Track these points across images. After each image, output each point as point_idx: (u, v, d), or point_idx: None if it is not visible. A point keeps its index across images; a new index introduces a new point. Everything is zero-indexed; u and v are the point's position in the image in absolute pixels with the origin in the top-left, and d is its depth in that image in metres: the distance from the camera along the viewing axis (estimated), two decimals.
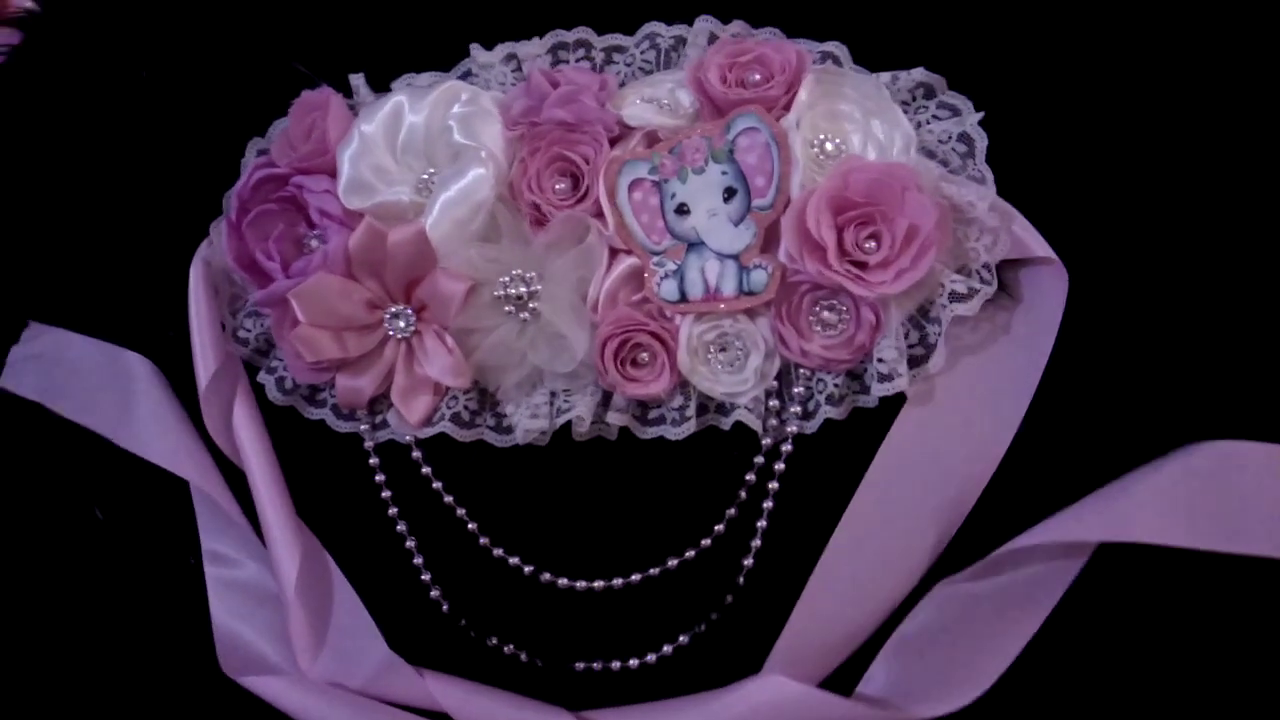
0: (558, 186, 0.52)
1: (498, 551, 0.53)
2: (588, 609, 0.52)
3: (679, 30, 0.54)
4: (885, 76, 0.51)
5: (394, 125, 0.55)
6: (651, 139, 0.52)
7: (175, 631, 0.55)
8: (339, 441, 0.56)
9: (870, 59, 0.53)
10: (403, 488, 0.55)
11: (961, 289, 0.48)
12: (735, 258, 0.50)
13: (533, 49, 0.55)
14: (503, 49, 0.56)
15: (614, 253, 0.52)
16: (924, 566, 0.47)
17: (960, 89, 0.51)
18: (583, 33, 0.55)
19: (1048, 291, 0.48)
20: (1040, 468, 0.47)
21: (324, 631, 0.53)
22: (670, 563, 0.51)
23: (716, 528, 0.51)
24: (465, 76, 0.57)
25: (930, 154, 0.50)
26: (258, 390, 0.57)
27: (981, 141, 0.49)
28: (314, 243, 0.56)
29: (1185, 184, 0.49)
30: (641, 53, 0.55)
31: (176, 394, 0.58)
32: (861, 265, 0.48)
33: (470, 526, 0.54)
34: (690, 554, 0.51)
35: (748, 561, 0.50)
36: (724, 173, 0.50)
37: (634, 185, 0.51)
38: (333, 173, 0.55)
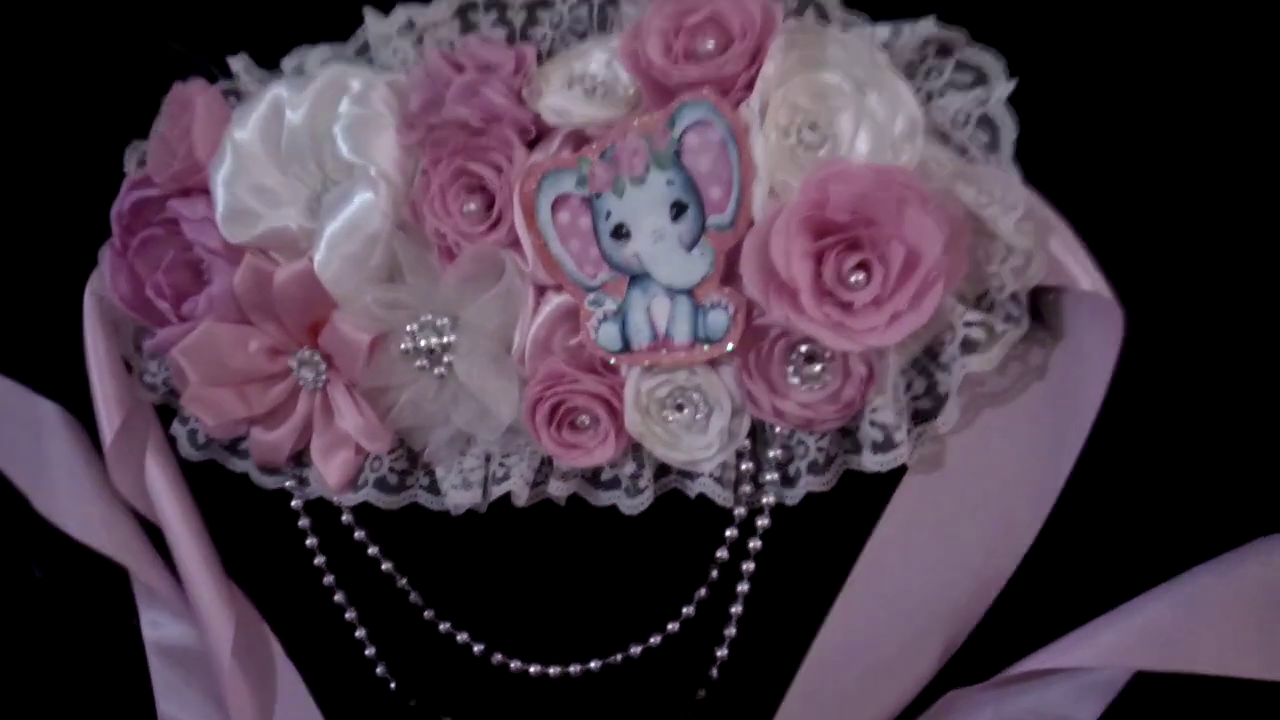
0: (466, 208, 0.41)
1: (444, 626, 0.47)
2: (546, 695, 0.45)
3: None
4: (884, 31, 0.38)
5: (273, 126, 0.44)
6: (578, 139, 0.41)
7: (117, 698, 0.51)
8: (266, 495, 0.49)
9: (867, 5, 0.39)
10: (338, 550, 0.48)
11: (978, 334, 0.37)
12: (688, 293, 0.39)
13: (435, 14, 0.43)
14: (399, 14, 0.43)
15: (541, 290, 0.41)
16: (927, 676, 0.38)
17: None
18: None
19: (1097, 328, 0.36)
20: (1078, 552, 0.37)
21: (266, 704, 0.48)
22: (633, 649, 0.44)
23: (685, 610, 0.43)
24: (364, 52, 0.46)
25: (944, 137, 0.37)
26: (172, 439, 0.50)
27: (1009, 130, 0.36)
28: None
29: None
30: (570, 9, 0.42)
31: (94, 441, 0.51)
32: (846, 306, 0.36)
33: (413, 598, 0.47)
34: (655, 640, 0.43)
35: (721, 652, 0.42)
36: (669, 182, 0.39)
37: (559, 203, 0.40)
38: (210, 192, 0.45)
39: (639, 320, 0.40)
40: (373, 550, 0.48)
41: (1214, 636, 0.33)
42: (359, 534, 0.48)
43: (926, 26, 0.38)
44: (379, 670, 0.48)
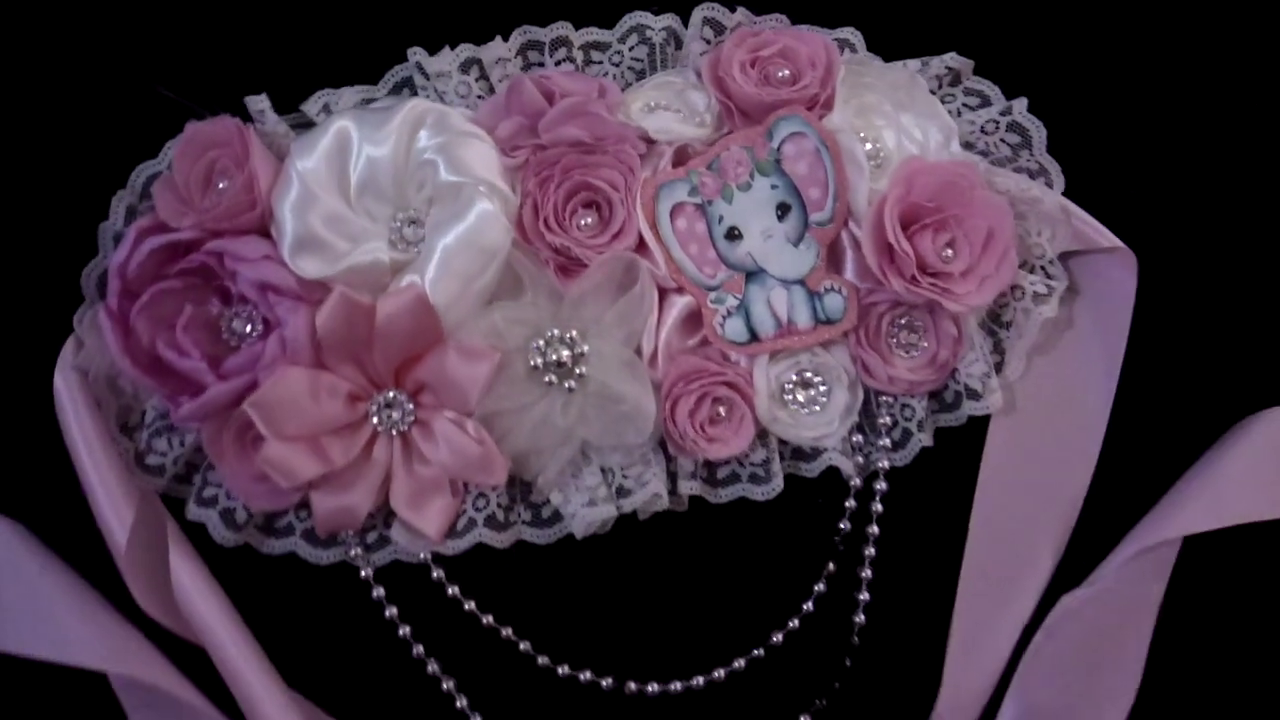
0: (583, 222, 0.42)
1: (563, 669, 0.44)
2: (690, 713, 0.44)
3: (668, 21, 0.46)
4: (914, 63, 0.47)
5: (341, 161, 0.42)
6: (680, 154, 0.44)
7: None
8: (319, 576, 0.43)
9: (879, 46, 0.47)
10: (421, 617, 0.44)
11: (1041, 288, 0.45)
12: (801, 283, 0.44)
13: (498, 51, 0.45)
14: (459, 53, 0.44)
15: (661, 294, 0.43)
16: (1047, 580, 0.44)
17: (981, 73, 0.47)
18: (560, 28, 0.45)
19: (1113, 280, 0.46)
20: (1128, 460, 0.46)
21: None
22: (775, 638, 0.45)
23: (817, 588, 0.45)
24: (399, 89, 0.45)
25: (969, 146, 0.47)
26: (190, 530, 0.42)
27: (1039, 132, 0.46)
28: (236, 324, 0.42)
29: (1228, 158, 0.49)
30: (630, 49, 0.46)
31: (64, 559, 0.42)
32: (946, 276, 0.43)
33: (523, 647, 0.44)
34: (794, 624, 0.45)
35: (859, 618, 0.45)
36: (774, 186, 0.44)
37: (675, 211, 0.43)
38: (264, 230, 0.42)
39: (762, 312, 0.44)
40: (469, 605, 0.44)
41: (1238, 494, 0.43)
42: (452, 589, 0.44)
43: (948, 59, 0.47)
44: None
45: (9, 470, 0.43)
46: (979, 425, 0.46)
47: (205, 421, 0.41)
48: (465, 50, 0.45)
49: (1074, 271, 0.47)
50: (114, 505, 0.41)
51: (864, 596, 0.45)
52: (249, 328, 0.42)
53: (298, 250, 0.41)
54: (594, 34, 0.46)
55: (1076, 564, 0.45)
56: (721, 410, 0.43)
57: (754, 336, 0.43)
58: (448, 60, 0.45)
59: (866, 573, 0.45)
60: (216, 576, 0.43)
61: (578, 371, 0.42)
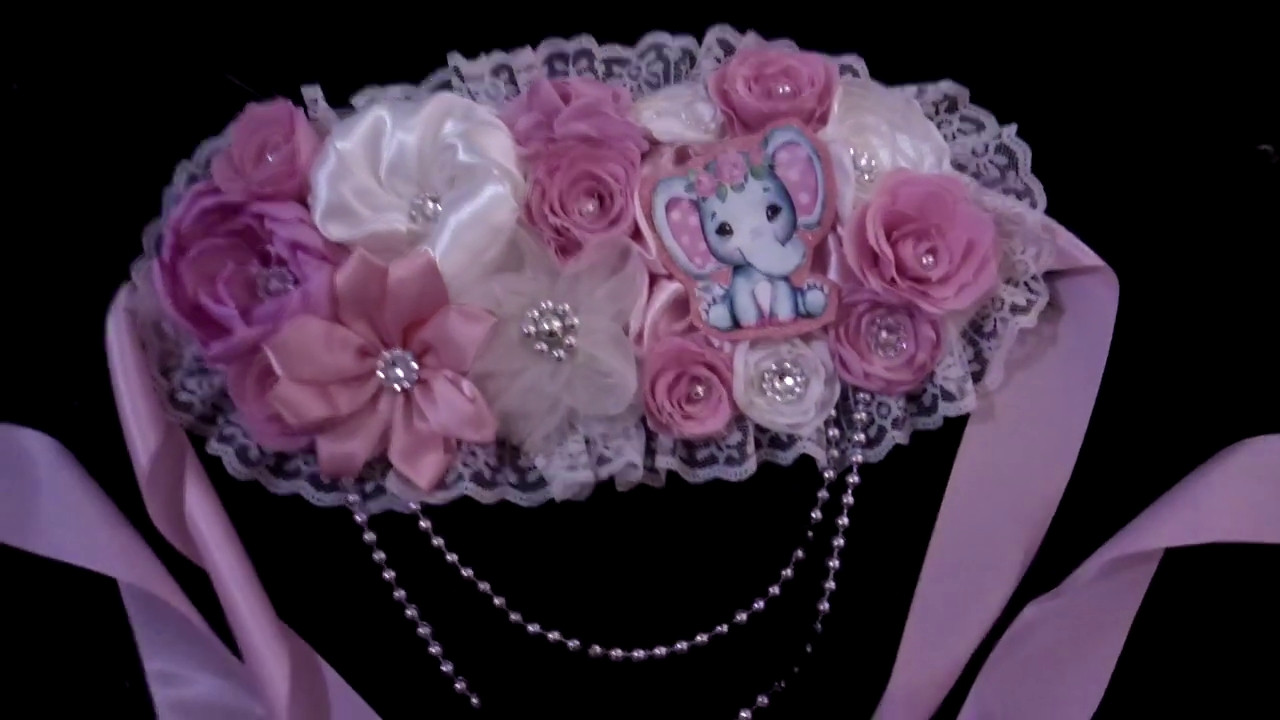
0: (585, 208, 0.46)
1: (533, 628, 0.46)
2: (651, 681, 0.46)
3: (685, 42, 0.50)
4: (910, 90, 0.50)
5: (374, 144, 0.47)
6: (681, 155, 0.48)
7: None
8: (318, 518, 0.47)
9: (881, 73, 0.51)
10: (407, 565, 0.47)
11: (1021, 300, 0.47)
12: (785, 279, 0.46)
13: (527, 59, 0.50)
14: (492, 59, 0.49)
15: (653, 279, 0.47)
16: (1012, 587, 0.45)
17: (978, 101, 0.50)
18: (584, 41, 0.50)
19: (1095, 299, 0.47)
20: (1104, 475, 0.47)
21: None
22: (739, 616, 0.46)
23: (784, 573, 0.46)
24: (438, 90, 0.50)
25: (961, 167, 0.49)
26: (208, 464, 0.47)
27: (1025, 154, 0.48)
28: (273, 283, 0.47)
29: (1211, 179, 0.50)
30: (648, 64, 0.50)
31: (94, 477, 0.46)
32: (923, 281, 0.45)
33: (497, 602, 0.46)
34: (759, 605, 0.46)
35: (823, 606, 0.46)
36: (765, 189, 0.47)
37: (671, 204, 0.47)
38: (301, 199, 0.47)
39: (746, 302, 0.47)
40: (451, 557, 0.47)
41: (1218, 514, 0.44)
42: (437, 541, 0.47)
43: (944, 86, 0.50)
44: (459, 687, 0.46)
45: (59, 397, 0.48)
46: (955, 431, 0.48)
47: (231, 363, 0.46)
48: (497, 57, 0.50)
49: (1059, 291, 0.49)
50: (142, 432, 0.45)
51: (830, 585, 0.46)
52: (276, 284, 0.47)
53: (328, 216, 0.46)
54: (616, 50, 0.51)
55: (1045, 575, 0.46)
56: (700, 389, 0.46)
57: (736, 324, 0.46)
58: (482, 65, 0.50)
59: (834, 562, 0.47)
60: (229, 509, 0.46)
61: (567, 342, 0.45)
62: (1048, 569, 0.46)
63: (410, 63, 0.51)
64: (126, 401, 0.46)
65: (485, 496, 0.46)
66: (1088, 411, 0.47)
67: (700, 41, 0.50)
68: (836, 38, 0.51)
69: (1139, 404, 0.48)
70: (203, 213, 0.46)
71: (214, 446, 0.47)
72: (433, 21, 0.53)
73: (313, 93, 0.49)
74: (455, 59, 0.50)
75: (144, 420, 0.45)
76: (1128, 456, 0.47)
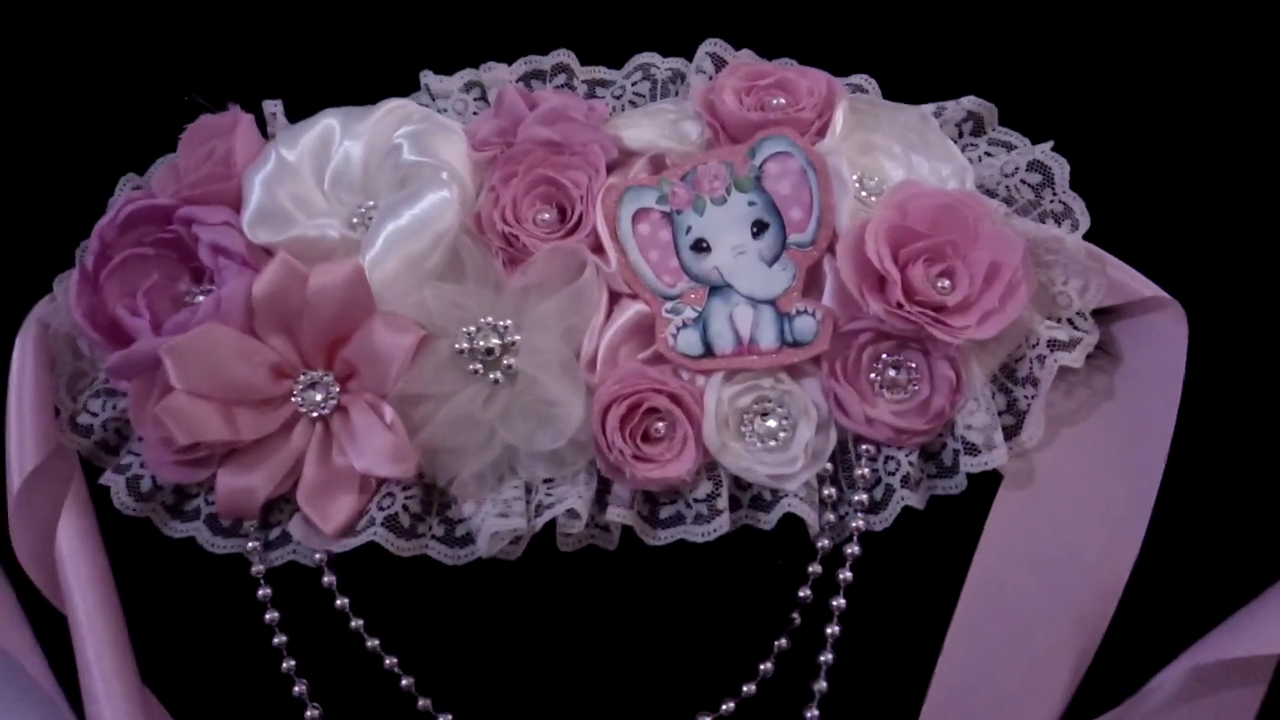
0: (541, 217, 0.40)
1: (446, 719, 0.37)
2: None
3: (675, 63, 0.45)
4: (928, 108, 0.43)
5: (322, 153, 0.43)
6: (657, 164, 0.42)
7: None
8: (214, 566, 0.40)
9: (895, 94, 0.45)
10: (305, 628, 0.38)
11: (1062, 335, 0.38)
12: (770, 303, 0.39)
13: (501, 74, 0.45)
14: (463, 75, 0.45)
15: (614, 297, 0.40)
16: (1059, 709, 0.34)
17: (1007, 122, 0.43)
18: (562, 56, 0.45)
19: (1160, 341, 0.38)
20: (1181, 558, 0.36)
21: None
22: None
23: (763, 667, 0.36)
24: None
25: (990, 193, 0.42)
26: (97, 497, 0.40)
27: (1062, 169, 0.40)
28: (200, 300, 0.42)
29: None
30: (633, 84, 0.45)
31: None
32: (937, 308, 0.37)
33: (404, 683, 0.37)
34: (728, 706, 0.36)
35: (811, 713, 0.35)
36: (751, 203, 0.40)
37: (639, 216, 0.40)
38: (235, 204, 0.42)
39: (721, 327, 0.39)
40: (356, 624, 0.39)
41: None
42: (340, 601, 0.39)
43: (967, 103, 0.43)
44: None
45: None
46: (985, 496, 0.38)
47: (133, 379, 0.40)
48: (468, 74, 0.46)
49: (1115, 336, 0.40)
50: (22, 453, 0.40)
51: (820, 686, 0.36)
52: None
53: (257, 220, 0.41)
54: (600, 72, 0.46)
55: (1102, 690, 0.35)
56: (660, 425, 0.38)
57: (709, 351, 0.39)
58: (452, 82, 0.46)
59: (826, 655, 0.37)
60: (117, 553, 0.40)
61: (505, 363, 0.38)
62: (1106, 681, 0.35)
63: (389, 84, 0.47)
64: (14, 418, 0.41)
65: (401, 548, 0.38)
66: (1156, 479, 0.37)
67: (691, 62, 0.45)
68: (847, 60, 0.45)
69: (1219, 467, 0.37)
70: (130, 217, 0.42)
71: (106, 477, 0.40)
72: (418, 46, 0.49)
73: (273, 107, 0.45)
74: (428, 77, 0.46)
75: (28, 440, 0.40)
76: (1209, 534, 0.36)
